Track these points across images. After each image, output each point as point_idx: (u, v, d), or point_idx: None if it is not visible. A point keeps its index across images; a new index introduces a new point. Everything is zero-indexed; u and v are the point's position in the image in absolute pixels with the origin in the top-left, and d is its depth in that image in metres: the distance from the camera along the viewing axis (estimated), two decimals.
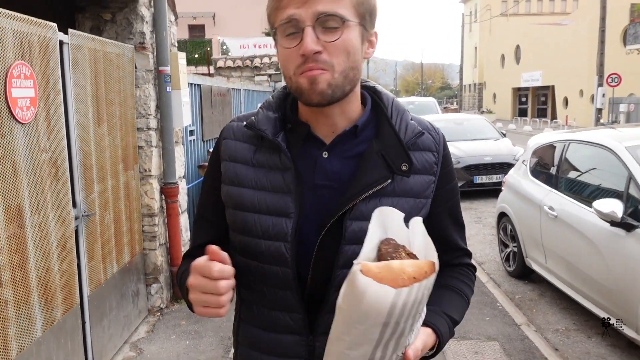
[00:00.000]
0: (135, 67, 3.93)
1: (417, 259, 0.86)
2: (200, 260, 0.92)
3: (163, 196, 4.26)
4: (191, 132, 5.48)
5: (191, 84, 5.26)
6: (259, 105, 1.13)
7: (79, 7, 3.87)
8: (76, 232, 3.01)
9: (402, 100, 19.63)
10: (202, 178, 1.26)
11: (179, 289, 1.10)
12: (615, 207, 3.44)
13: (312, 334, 1.05)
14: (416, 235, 0.91)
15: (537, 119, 32.32)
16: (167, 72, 4.06)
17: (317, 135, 1.06)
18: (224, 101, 6.74)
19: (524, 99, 39.86)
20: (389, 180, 1.02)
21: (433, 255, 0.86)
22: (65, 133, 2.86)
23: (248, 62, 11.11)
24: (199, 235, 1.19)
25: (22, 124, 2.43)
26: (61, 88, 2.82)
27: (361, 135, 1.06)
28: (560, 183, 4.48)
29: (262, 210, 1.04)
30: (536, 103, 38.55)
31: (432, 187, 1.08)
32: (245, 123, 1.09)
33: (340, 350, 0.88)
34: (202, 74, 9.96)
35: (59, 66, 2.81)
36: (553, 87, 33.80)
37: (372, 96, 1.11)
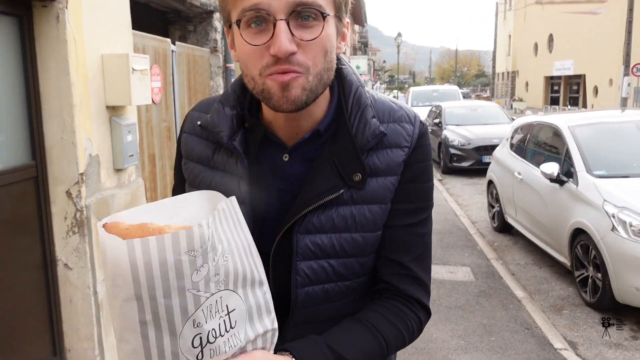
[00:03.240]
0: (210, 65, 5.45)
1: None
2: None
3: None
4: None
5: None
6: (218, 98, 1.00)
7: (171, 21, 5.40)
8: None
9: (427, 88, 20.50)
10: None
11: None
12: (553, 168, 4.76)
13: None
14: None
15: (566, 108, 32.76)
16: (232, 68, 5.56)
17: (279, 136, 0.94)
18: None
19: (556, 88, 40.10)
20: (342, 191, 0.90)
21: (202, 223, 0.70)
22: (173, 110, 4.39)
23: None
24: None
25: (156, 104, 3.96)
26: (172, 81, 4.35)
27: (325, 135, 0.94)
28: (527, 154, 5.80)
29: None
30: (568, 92, 38.77)
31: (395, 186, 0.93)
32: (199, 123, 0.96)
33: (117, 342, 0.72)
34: None
35: (171, 66, 4.33)
36: (584, 76, 34.08)
37: (339, 84, 0.96)
